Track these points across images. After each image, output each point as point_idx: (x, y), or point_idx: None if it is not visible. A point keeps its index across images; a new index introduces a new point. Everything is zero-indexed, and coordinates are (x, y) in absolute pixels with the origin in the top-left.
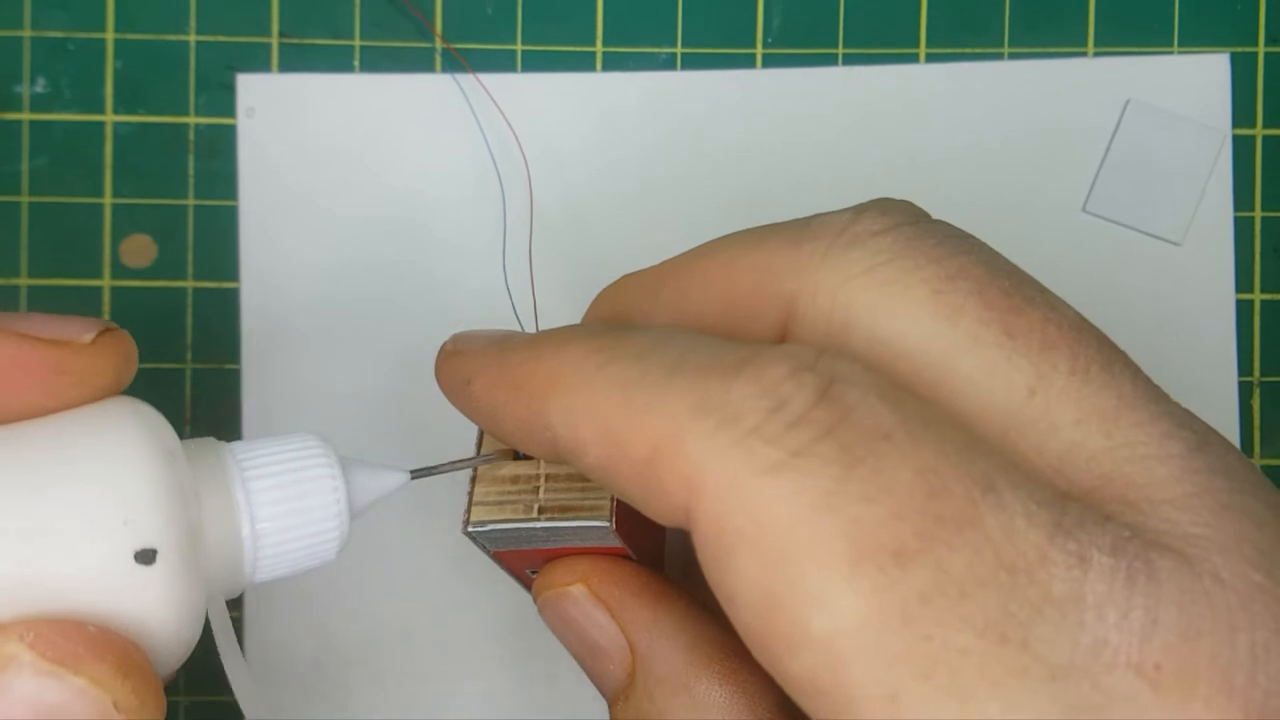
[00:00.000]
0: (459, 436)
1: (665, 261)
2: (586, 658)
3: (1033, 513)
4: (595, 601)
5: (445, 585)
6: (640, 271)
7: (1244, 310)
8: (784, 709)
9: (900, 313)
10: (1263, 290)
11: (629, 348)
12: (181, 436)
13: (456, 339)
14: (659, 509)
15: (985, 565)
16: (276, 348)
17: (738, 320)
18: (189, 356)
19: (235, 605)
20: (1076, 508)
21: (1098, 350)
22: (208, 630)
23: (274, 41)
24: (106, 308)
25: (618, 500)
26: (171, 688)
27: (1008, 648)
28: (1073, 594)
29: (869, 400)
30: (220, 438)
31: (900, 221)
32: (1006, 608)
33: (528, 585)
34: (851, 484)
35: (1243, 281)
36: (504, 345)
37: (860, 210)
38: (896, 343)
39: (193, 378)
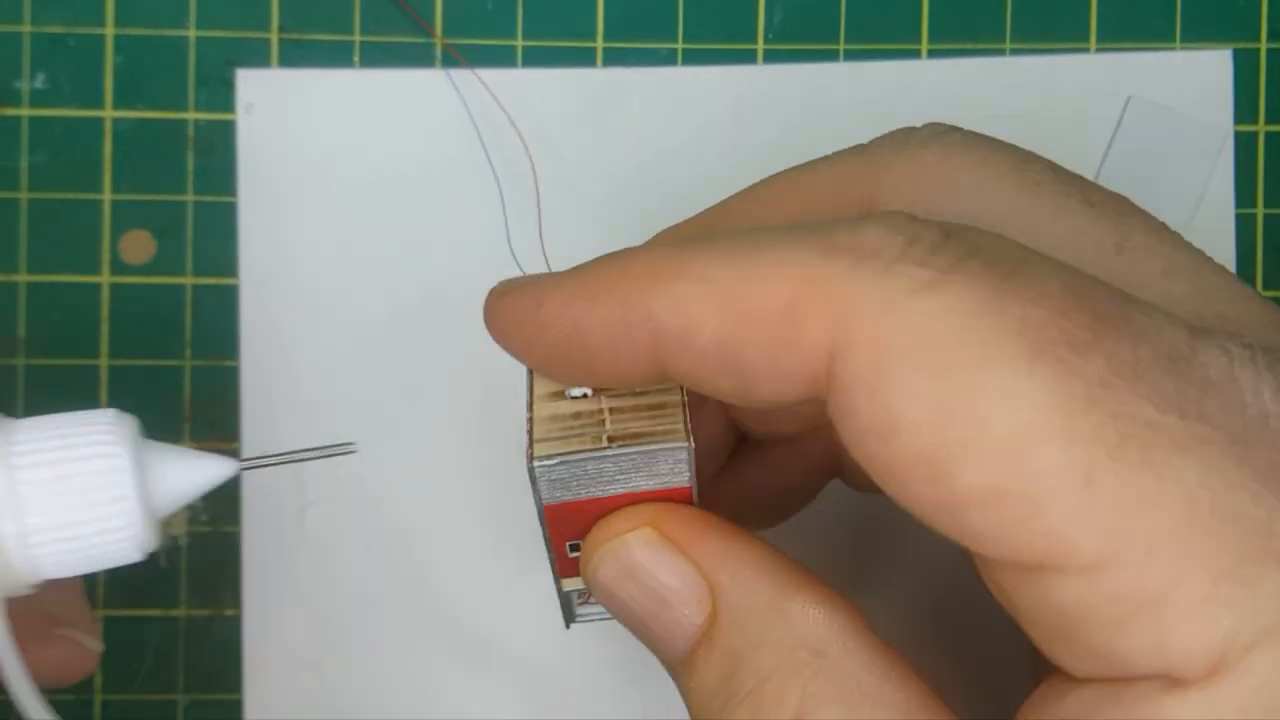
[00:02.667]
0: (458, 430)
1: (713, 205)
2: (653, 612)
3: (1170, 317)
4: (665, 542)
5: (445, 585)
6: (684, 221)
7: None
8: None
9: (984, 189)
10: (1265, 287)
11: (728, 233)
12: (180, 434)
13: (507, 280)
14: (792, 365)
15: (1150, 352)
16: (276, 344)
17: None
18: (188, 353)
19: (234, 604)
20: (1199, 328)
21: (1160, 222)
22: (203, 635)
23: (274, 37)
24: (105, 304)
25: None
26: (171, 687)
27: (1188, 420)
28: (1227, 376)
29: (991, 238)
30: (219, 435)
31: (956, 127)
32: (1179, 386)
33: (565, 570)
34: (1010, 289)
35: (1244, 278)
36: (573, 269)
37: (913, 128)
38: (985, 215)
39: (192, 374)
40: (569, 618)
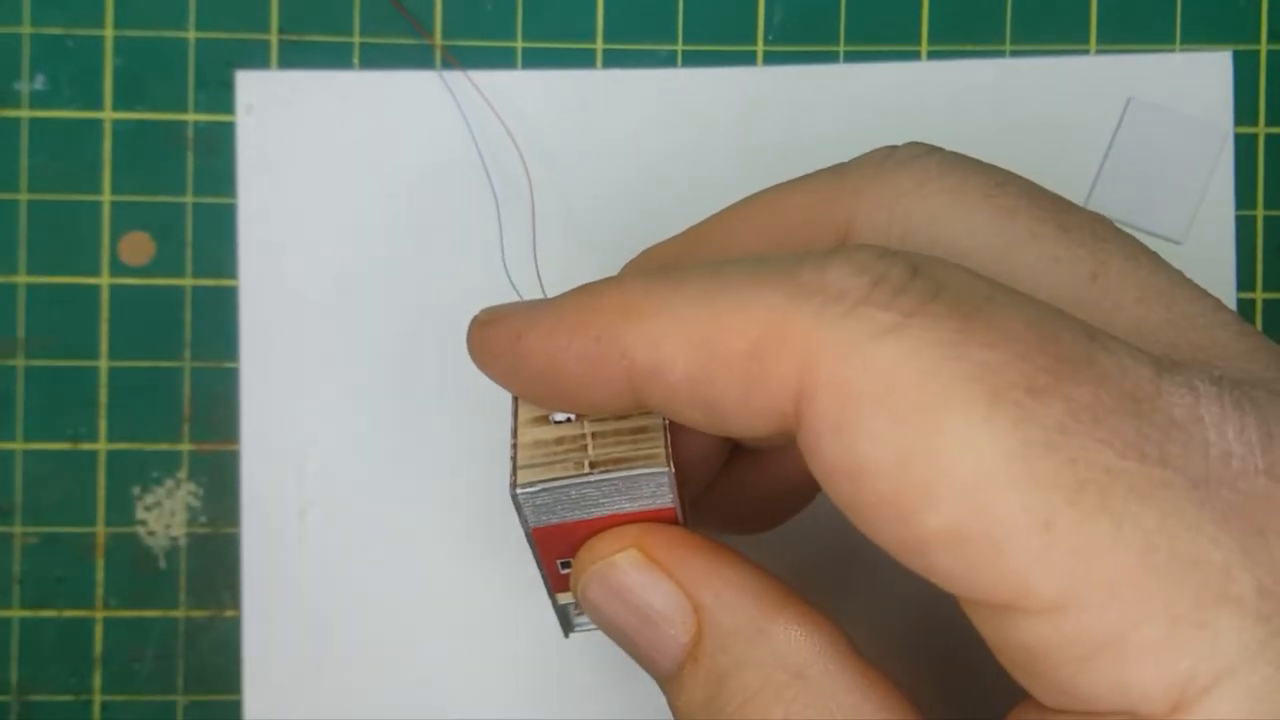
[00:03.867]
0: (458, 430)
1: (694, 225)
2: (641, 631)
3: (1136, 354)
4: (650, 564)
5: (446, 585)
6: (667, 241)
7: (1246, 309)
8: (856, 646)
9: (958, 216)
10: (1265, 289)
11: (700, 268)
12: (179, 435)
13: (490, 309)
14: (761, 403)
15: (1111, 395)
16: (275, 345)
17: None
18: (187, 354)
19: (234, 605)
20: (1168, 361)
21: (1139, 244)
22: (203, 636)
23: (273, 38)
24: (105, 305)
25: (671, 448)
26: (170, 688)
27: (1148, 464)
28: (1191, 416)
29: (959, 274)
30: (219, 437)
31: (936, 148)
32: (1140, 429)
33: (558, 586)
34: (973, 333)
35: (1244, 280)
36: (552, 300)
37: (893, 147)
38: (958, 244)
39: (191, 376)
40: (567, 628)
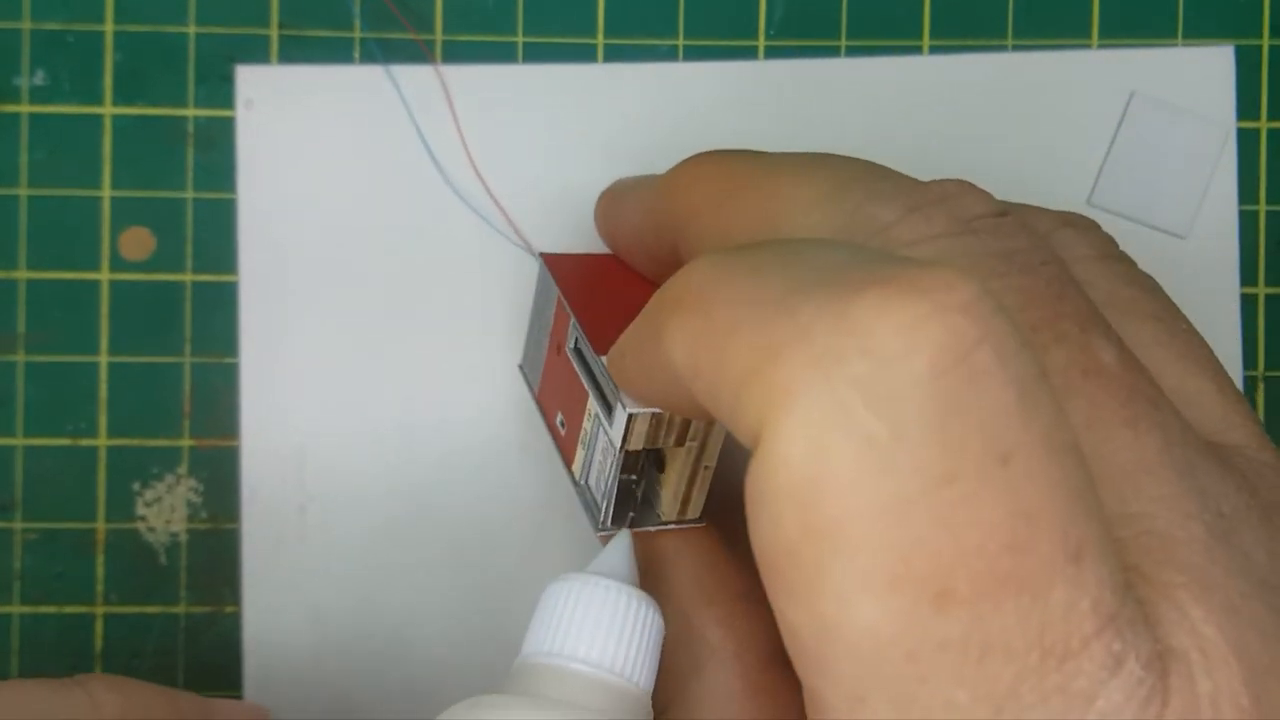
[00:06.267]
0: (455, 428)
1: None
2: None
3: (1101, 600)
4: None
5: (446, 580)
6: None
7: (1249, 304)
8: (775, 661)
9: None
10: (1268, 284)
11: (750, 259)
12: (180, 430)
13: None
14: (738, 432)
15: (1021, 639)
16: (275, 341)
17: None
18: (188, 350)
19: (234, 601)
20: (1134, 601)
21: (1124, 403)
22: (203, 632)
23: (273, 33)
24: (105, 301)
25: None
26: (170, 684)
27: None
28: (1087, 694)
29: (1004, 395)
30: (219, 432)
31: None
32: (1017, 688)
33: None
34: (934, 504)
35: (1247, 275)
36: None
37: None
38: None
39: (191, 371)
40: (594, 518)
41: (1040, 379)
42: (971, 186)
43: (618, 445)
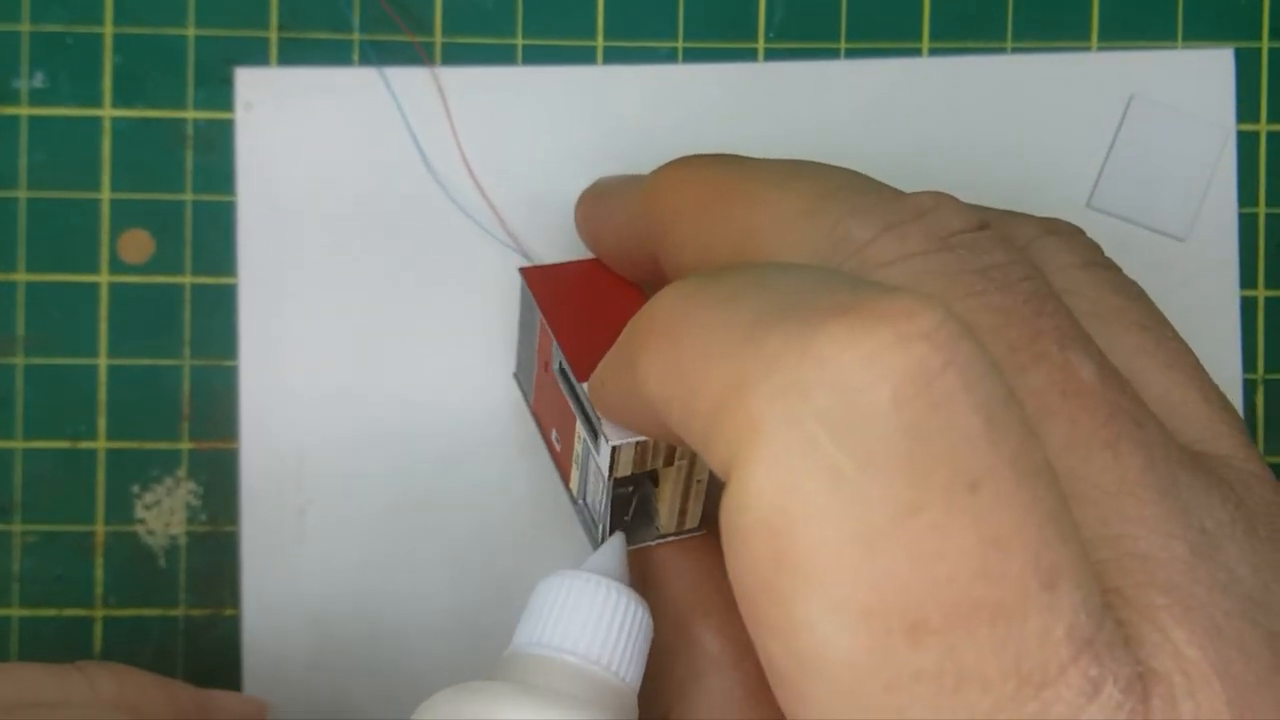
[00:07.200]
0: (455, 429)
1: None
2: None
3: (1077, 625)
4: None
5: (445, 582)
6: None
7: (1248, 307)
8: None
9: None
10: (1267, 287)
11: (719, 288)
12: (179, 433)
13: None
14: (711, 463)
15: (996, 667)
16: (275, 343)
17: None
18: (187, 353)
19: (233, 604)
20: (1112, 623)
21: (1104, 422)
22: (203, 635)
23: (273, 35)
24: (104, 303)
25: None
26: None
27: None
28: None
29: (971, 421)
30: (218, 435)
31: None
32: (994, 717)
33: (564, 467)
34: (903, 535)
35: (1247, 278)
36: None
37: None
38: None
39: (191, 374)
40: (594, 538)
41: (1009, 402)
42: (950, 199)
43: (605, 474)
